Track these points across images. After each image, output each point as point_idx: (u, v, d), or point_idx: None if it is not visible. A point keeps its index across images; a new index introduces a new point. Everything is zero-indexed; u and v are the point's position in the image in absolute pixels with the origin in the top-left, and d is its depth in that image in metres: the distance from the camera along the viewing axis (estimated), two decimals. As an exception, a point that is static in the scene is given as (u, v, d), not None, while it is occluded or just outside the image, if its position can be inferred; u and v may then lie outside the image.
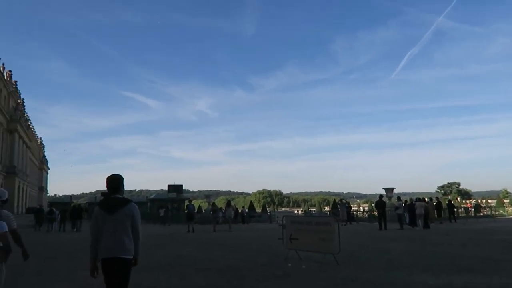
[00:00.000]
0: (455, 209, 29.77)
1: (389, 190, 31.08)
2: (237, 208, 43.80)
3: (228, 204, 28.24)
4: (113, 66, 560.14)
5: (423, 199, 24.83)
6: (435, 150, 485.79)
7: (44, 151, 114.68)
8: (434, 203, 26.35)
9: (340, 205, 31.14)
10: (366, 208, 63.60)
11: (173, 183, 44.35)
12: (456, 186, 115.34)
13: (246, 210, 40.90)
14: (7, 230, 4.05)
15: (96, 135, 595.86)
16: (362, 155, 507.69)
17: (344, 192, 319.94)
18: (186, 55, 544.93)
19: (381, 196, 23.90)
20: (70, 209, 30.66)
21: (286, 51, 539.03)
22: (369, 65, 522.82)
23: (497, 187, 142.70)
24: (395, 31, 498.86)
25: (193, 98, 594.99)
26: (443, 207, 28.70)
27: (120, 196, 3.95)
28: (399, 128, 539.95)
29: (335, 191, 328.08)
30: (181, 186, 45.37)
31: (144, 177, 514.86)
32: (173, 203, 42.75)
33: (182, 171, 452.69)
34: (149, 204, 45.63)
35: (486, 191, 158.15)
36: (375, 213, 27.67)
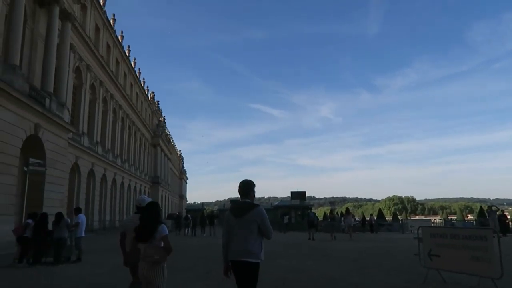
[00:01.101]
0: None
1: (558, 195, 24.97)
2: (364, 216, 41.19)
3: (347, 212, 26.88)
4: (241, 80, 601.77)
5: None
6: None
7: (183, 163, 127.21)
8: None
9: (489, 213, 26.21)
10: (525, 217, 53.45)
11: (296, 190, 43.95)
12: None
13: (375, 218, 38.07)
14: (167, 233, 4.19)
15: (228, 146, 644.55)
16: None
17: (491, 198, 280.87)
18: (308, 63, 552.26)
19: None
20: (199, 215, 32.69)
21: (414, 47, 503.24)
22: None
23: None
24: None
25: (316, 104, 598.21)
26: None
27: (249, 201, 3.99)
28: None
29: (480, 197, 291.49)
30: (304, 192, 44.59)
31: (272, 184, 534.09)
32: (296, 210, 42.22)
33: (308, 178, 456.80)
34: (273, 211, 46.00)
35: None
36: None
